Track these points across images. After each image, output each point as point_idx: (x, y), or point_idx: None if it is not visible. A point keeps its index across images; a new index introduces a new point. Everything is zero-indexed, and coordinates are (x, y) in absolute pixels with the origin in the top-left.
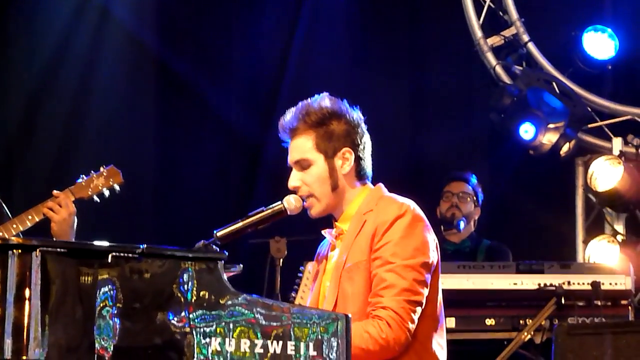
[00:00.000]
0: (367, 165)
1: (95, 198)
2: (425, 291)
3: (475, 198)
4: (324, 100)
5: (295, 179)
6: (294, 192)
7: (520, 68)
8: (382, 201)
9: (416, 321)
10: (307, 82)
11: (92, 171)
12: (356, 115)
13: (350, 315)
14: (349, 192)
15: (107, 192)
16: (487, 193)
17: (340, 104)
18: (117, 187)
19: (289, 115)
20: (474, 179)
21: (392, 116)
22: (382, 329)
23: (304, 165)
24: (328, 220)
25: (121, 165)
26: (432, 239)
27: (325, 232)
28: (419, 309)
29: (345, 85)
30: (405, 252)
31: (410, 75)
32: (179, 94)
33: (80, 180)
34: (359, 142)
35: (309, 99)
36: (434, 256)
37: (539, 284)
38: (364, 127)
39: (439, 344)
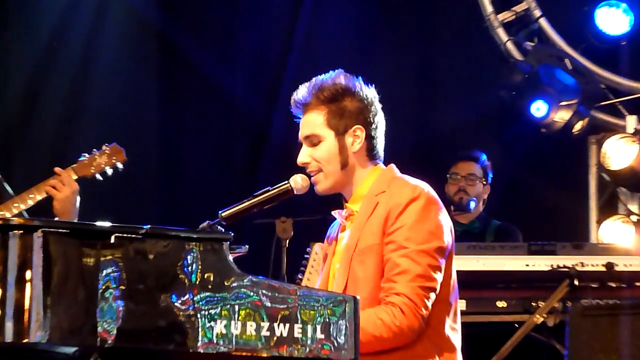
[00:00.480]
0: (380, 145)
1: (98, 176)
2: (440, 276)
3: (484, 177)
4: (339, 77)
5: (304, 154)
6: (303, 168)
7: (532, 44)
8: (395, 183)
9: (430, 307)
10: (314, 57)
11: (94, 149)
12: (370, 93)
13: (358, 297)
14: (359, 171)
15: (110, 171)
16: (498, 172)
17: (355, 81)
18: (120, 166)
19: (303, 90)
20: (483, 157)
21: (400, 93)
22: (396, 315)
23: (314, 141)
24: (338, 201)
25: (123, 143)
26: (446, 222)
27: (335, 213)
28: (432, 295)
29: (352, 60)
30: (420, 237)
31: (418, 51)
32: (182, 70)
33: (82, 158)
34: (372, 121)
35: (323, 74)
36: (448, 240)
37: (552, 265)
38: (378, 106)
39: (453, 328)
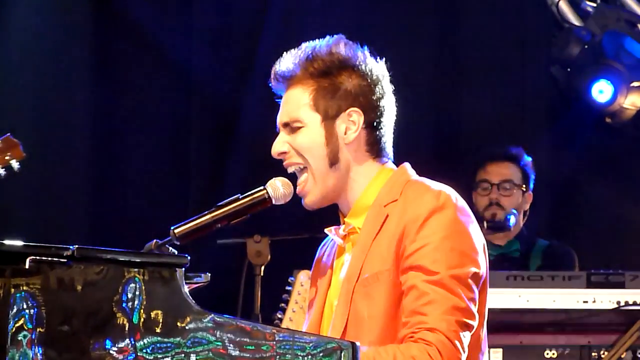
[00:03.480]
0: (386, 137)
1: None
2: (476, 311)
3: (524, 183)
4: (338, 44)
5: (280, 142)
6: (283, 174)
7: (594, 4)
8: (410, 188)
9: (467, 352)
10: (298, 25)
11: None
12: (378, 69)
13: (358, 344)
14: (357, 171)
15: (1, 171)
16: (547, 177)
17: (359, 51)
18: (15, 164)
19: (288, 59)
20: (522, 155)
21: (416, 73)
22: (432, 356)
23: (294, 127)
24: (331, 214)
25: (42, 132)
26: (480, 239)
27: (329, 231)
28: (468, 335)
29: (352, 31)
30: (451, 259)
31: (440, 17)
32: (123, 37)
33: None
34: (376, 105)
35: (317, 40)
36: (483, 264)
37: (619, 302)
38: (387, 87)
39: None
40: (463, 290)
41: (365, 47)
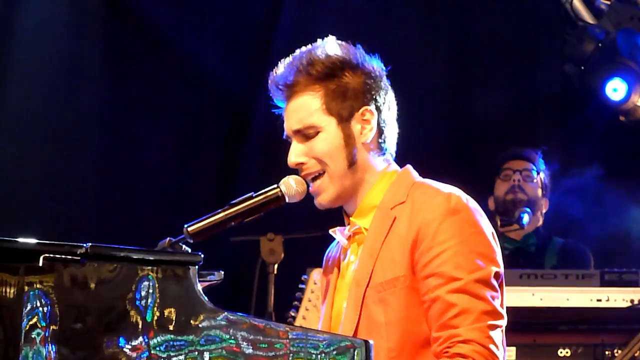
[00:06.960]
0: (391, 135)
1: None
2: (502, 308)
3: (542, 184)
4: (332, 45)
5: (297, 151)
6: (296, 171)
7: (608, 2)
8: (418, 190)
9: (504, 351)
10: (311, 22)
11: None
12: (376, 65)
13: (371, 342)
14: (370, 170)
15: None
16: (560, 176)
17: (354, 50)
18: None
19: (285, 67)
20: (540, 160)
21: (427, 71)
22: None
23: (308, 134)
24: (339, 212)
25: (52, 129)
26: (494, 236)
27: (334, 232)
28: (500, 333)
29: (363, 30)
30: (472, 263)
31: (453, 16)
32: (135, 35)
33: None
34: (383, 101)
35: (309, 45)
36: (501, 261)
37: (632, 301)
38: (386, 81)
39: None
40: (488, 291)
41: (359, 46)
